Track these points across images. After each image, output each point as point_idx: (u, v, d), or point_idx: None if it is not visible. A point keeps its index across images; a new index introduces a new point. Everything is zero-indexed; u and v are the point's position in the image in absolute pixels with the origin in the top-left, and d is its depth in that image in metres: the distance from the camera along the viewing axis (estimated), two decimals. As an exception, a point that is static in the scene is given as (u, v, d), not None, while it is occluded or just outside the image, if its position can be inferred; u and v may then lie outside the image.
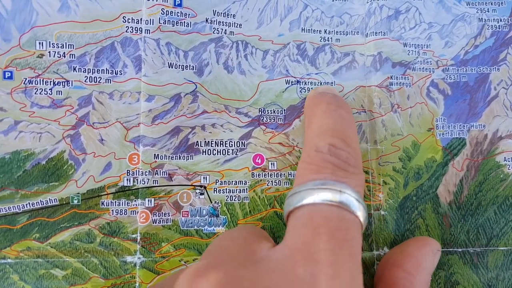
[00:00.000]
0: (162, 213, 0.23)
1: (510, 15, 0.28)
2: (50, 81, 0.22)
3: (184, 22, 0.24)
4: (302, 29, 0.26)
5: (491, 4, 0.28)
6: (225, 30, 0.25)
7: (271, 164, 0.25)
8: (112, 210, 0.22)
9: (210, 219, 0.23)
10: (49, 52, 0.22)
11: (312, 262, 0.15)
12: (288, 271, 0.15)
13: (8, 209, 0.22)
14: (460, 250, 0.25)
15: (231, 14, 0.25)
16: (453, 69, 0.27)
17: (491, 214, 0.25)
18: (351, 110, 0.23)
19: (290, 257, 0.15)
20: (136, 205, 0.23)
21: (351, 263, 0.15)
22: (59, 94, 0.22)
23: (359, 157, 0.20)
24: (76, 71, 0.22)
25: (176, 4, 0.24)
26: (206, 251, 0.19)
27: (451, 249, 0.25)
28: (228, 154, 0.24)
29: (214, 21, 0.24)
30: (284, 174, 0.25)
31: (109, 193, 0.22)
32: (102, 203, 0.22)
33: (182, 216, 0.23)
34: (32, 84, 0.22)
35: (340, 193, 0.17)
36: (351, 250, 0.16)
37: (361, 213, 0.17)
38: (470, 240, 0.25)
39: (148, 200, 0.23)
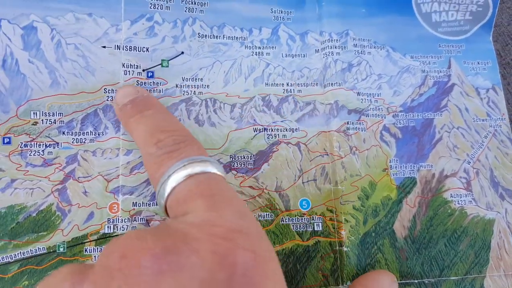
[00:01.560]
0: (140, 256, 0.25)
1: (448, 67, 0.31)
2: (43, 144, 0.25)
3: (157, 89, 0.28)
4: (266, 84, 0.30)
5: (432, 57, 0.31)
6: (194, 91, 0.28)
7: (243, 206, 0.27)
8: (94, 256, 0.25)
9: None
10: (42, 120, 0.26)
11: (203, 211, 0.17)
12: (187, 222, 0.16)
13: (2, 259, 0.24)
14: (416, 281, 0.27)
15: (198, 78, 0.28)
16: (402, 115, 0.30)
17: (441, 246, 0.27)
18: (155, 102, 0.24)
19: (186, 218, 0.17)
20: (118, 249, 0.25)
21: (238, 206, 0.17)
22: (50, 154, 0.25)
23: (185, 132, 0.22)
24: (65, 135, 0.26)
25: (149, 76, 0.28)
26: None
27: (408, 281, 0.27)
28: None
29: (183, 85, 0.28)
30: (254, 216, 0.27)
31: (92, 240, 0.25)
32: (86, 250, 0.25)
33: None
34: (27, 147, 0.25)
35: (185, 167, 0.19)
36: (230, 197, 0.18)
37: (213, 168, 0.19)
38: (425, 272, 0.27)
39: (128, 245, 0.25)
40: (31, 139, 0.25)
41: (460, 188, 0.29)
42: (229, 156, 0.28)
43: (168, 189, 0.18)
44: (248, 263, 0.14)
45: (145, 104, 0.24)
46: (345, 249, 0.27)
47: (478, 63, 0.32)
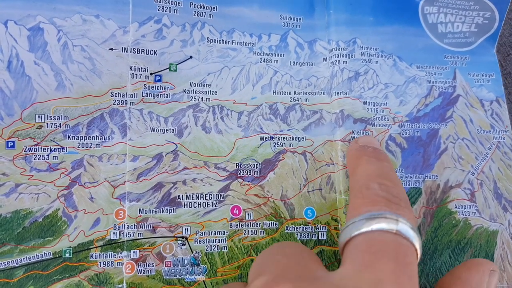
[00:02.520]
0: (146, 263, 0.25)
1: (453, 78, 0.31)
2: (48, 148, 0.25)
3: (164, 94, 0.27)
4: (273, 92, 0.29)
5: (437, 68, 0.31)
6: (202, 97, 0.28)
7: (248, 214, 0.27)
8: (100, 262, 0.25)
9: (191, 268, 0.26)
10: (47, 123, 0.25)
11: (376, 281, 0.15)
12: (348, 285, 0.15)
13: (7, 263, 0.24)
14: (420, 292, 0.27)
15: (206, 84, 0.28)
16: (407, 124, 0.30)
17: (446, 257, 0.28)
18: (391, 162, 0.24)
19: (353, 277, 0.16)
20: (122, 256, 0.25)
21: (411, 285, 0.16)
22: (55, 159, 0.25)
23: (407, 198, 0.21)
24: (70, 139, 0.25)
25: (157, 80, 0.27)
26: (256, 265, 0.20)
27: (412, 291, 0.27)
28: (208, 206, 0.27)
29: (191, 91, 0.28)
30: (259, 224, 0.27)
31: (97, 246, 0.25)
32: (91, 256, 0.25)
33: (165, 266, 0.25)
34: (31, 151, 0.25)
35: (396, 222, 0.18)
36: (410, 273, 0.16)
37: (416, 242, 0.18)
38: (430, 282, 0.27)
39: (133, 252, 0.25)
40: (36, 143, 0.25)
41: (465, 199, 0.29)
42: (235, 164, 0.28)
43: (363, 228, 0.18)
44: None
45: (385, 158, 0.24)
46: (349, 258, 0.27)
47: (483, 75, 0.32)
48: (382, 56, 0.31)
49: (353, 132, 0.29)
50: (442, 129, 0.30)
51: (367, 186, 0.20)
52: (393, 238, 0.17)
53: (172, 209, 0.26)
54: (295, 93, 0.29)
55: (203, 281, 0.25)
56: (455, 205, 0.29)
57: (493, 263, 0.23)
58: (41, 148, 0.25)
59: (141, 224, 0.26)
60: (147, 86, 0.27)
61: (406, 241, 0.17)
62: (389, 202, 0.19)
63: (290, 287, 0.15)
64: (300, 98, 0.29)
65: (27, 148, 0.25)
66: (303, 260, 0.19)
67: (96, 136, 0.26)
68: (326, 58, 0.30)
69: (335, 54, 0.30)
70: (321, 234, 0.27)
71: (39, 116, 0.25)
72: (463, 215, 0.29)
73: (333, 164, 0.29)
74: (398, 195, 0.20)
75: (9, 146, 0.24)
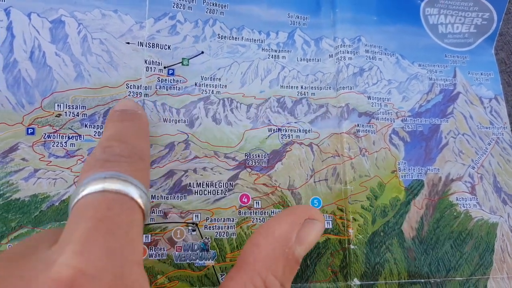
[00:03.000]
0: (158, 248, 0.26)
1: (454, 76, 0.33)
2: (65, 136, 0.26)
3: (176, 87, 0.28)
4: (281, 86, 0.31)
5: (438, 66, 0.33)
6: (212, 90, 0.29)
7: (256, 203, 0.28)
8: (114, 246, 0.26)
9: (201, 253, 0.26)
10: (66, 112, 0.26)
11: (64, 245, 0.15)
12: (45, 257, 0.15)
13: (24, 245, 0.25)
14: (422, 280, 0.28)
15: (217, 78, 0.29)
16: (410, 119, 0.31)
17: (448, 248, 0.28)
18: (139, 119, 0.24)
19: (52, 248, 0.15)
20: (135, 241, 0.26)
21: (109, 239, 0.15)
22: (72, 146, 0.26)
23: (138, 151, 0.20)
24: (87, 127, 0.26)
25: (170, 73, 0.28)
26: None
27: (415, 280, 0.28)
28: (217, 194, 0.28)
29: (202, 84, 0.29)
30: (267, 212, 0.28)
31: (112, 231, 0.26)
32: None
33: (176, 251, 0.26)
34: (50, 138, 0.26)
35: (104, 180, 0.17)
36: (110, 227, 0.15)
37: (133, 193, 0.17)
38: (432, 272, 0.28)
39: (145, 236, 0.26)
40: (54, 130, 0.26)
41: (465, 192, 0.30)
42: (244, 154, 0.29)
43: (79, 195, 0.17)
44: None
45: (129, 117, 0.24)
46: (352, 247, 0.28)
47: (482, 74, 0.34)
48: (385, 53, 0.32)
49: (357, 125, 0.30)
50: (443, 124, 0.31)
51: (93, 153, 0.20)
52: (96, 196, 0.17)
53: (183, 196, 0.27)
54: (302, 87, 0.31)
55: (213, 266, 0.26)
56: (456, 197, 0.30)
57: (314, 211, 0.20)
58: (59, 135, 0.26)
59: (153, 209, 0.26)
60: (160, 79, 0.28)
61: (115, 195, 0.17)
62: (106, 162, 0.19)
63: None
64: (307, 92, 0.31)
65: (46, 135, 0.26)
66: (31, 243, 0.17)
67: (112, 125, 0.27)
68: (332, 54, 0.32)
69: (340, 51, 0.31)
70: (327, 223, 0.28)
71: (58, 105, 0.26)
72: (464, 207, 0.30)
73: (339, 156, 0.30)
74: (121, 152, 0.19)
75: (29, 132, 0.26)
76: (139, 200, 0.17)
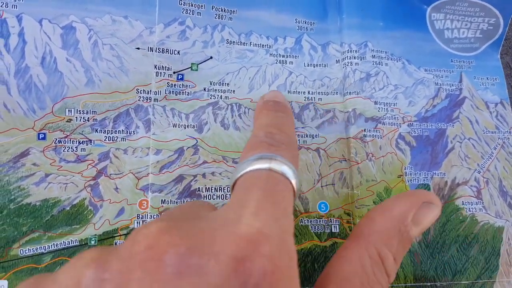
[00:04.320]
0: (166, 252, 0.26)
1: (459, 81, 0.33)
2: (76, 141, 0.26)
3: (186, 92, 0.29)
4: (288, 91, 0.31)
5: (444, 71, 0.33)
6: (221, 96, 0.29)
7: (263, 207, 0.28)
8: (124, 250, 0.26)
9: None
10: (76, 117, 0.26)
11: (240, 207, 0.16)
12: (221, 217, 0.16)
13: (36, 249, 0.25)
14: (428, 284, 0.28)
15: (225, 83, 0.30)
16: (416, 124, 0.31)
17: (454, 251, 0.29)
18: (289, 112, 0.27)
19: (224, 210, 0.17)
20: (145, 245, 0.26)
21: (276, 209, 0.17)
22: (83, 151, 0.26)
23: (293, 142, 0.23)
24: (97, 132, 0.27)
25: (179, 78, 0.29)
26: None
27: (421, 284, 0.28)
28: (226, 199, 0.28)
29: (211, 89, 0.29)
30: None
31: (121, 235, 0.26)
32: (116, 244, 0.26)
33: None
34: (61, 143, 0.26)
35: (270, 160, 0.19)
36: (276, 200, 0.17)
37: (292, 178, 0.19)
38: (438, 276, 0.28)
39: (155, 241, 0.26)
40: (65, 135, 0.26)
41: (471, 196, 0.30)
42: (252, 159, 0.29)
43: (247, 168, 0.19)
44: (263, 272, 0.14)
45: (282, 109, 0.26)
46: (360, 251, 0.28)
47: (487, 78, 0.34)
48: (392, 59, 0.32)
49: (364, 130, 0.30)
50: (449, 129, 0.32)
51: (255, 135, 0.22)
52: (265, 173, 0.19)
53: (192, 200, 0.27)
54: (309, 92, 0.31)
55: None
56: (462, 201, 0.30)
57: (433, 195, 0.21)
58: (70, 140, 0.26)
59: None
60: (170, 84, 0.28)
61: (279, 175, 0.19)
62: (270, 146, 0.21)
63: (161, 224, 0.15)
64: (314, 97, 0.31)
65: (57, 140, 0.26)
66: (194, 206, 0.20)
67: (122, 130, 0.27)
68: (339, 60, 0.32)
69: (347, 56, 0.31)
70: (334, 227, 0.28)
71: (69, 110, 0.26)
72: (470, 211, 0.30)
73: (346, 161, 0.30)
74: (280, 139, 0.22)
75: (40, 137, 0.26)
76: (294, 183, 0.19)
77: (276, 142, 0.21)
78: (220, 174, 0.28)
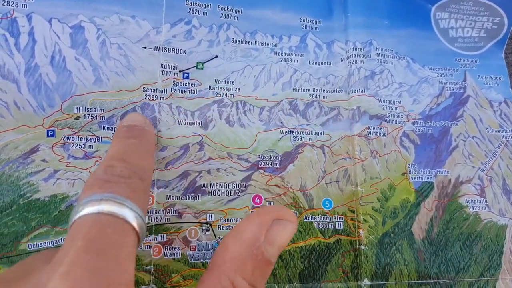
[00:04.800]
0: (173, 247, 0.27)
1: (464, 80, 0.33)
2: (84, 138, 0.27)
3: (191, 90, 0.29)
4: (293, 89, 0.31)
5: (448, 70, 0.33)
6: (226, 93, 0.30)
7: (268, 203, 0.29)
8: (131, 245, 0.26)
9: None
10: (84, 115, 0.27)
11: (53, 266, 0.15)
12: (35, 281, 0.15)
13: (44, 244, 0.26)
14: (432, 281, 0.28)
15: (230, 81, 0.30)
16: (420, 122, 0.31)
17: (457, 249, 0.29)
18: (143, 136, 0.24)
19: (43, 270, 0.16)
20: (150, 240, 0.27)
21: (99, 259, 0.15)
22: (90, 148, 0.27)
23: (138, 170, 0.21)
24: (105, 130, 0.27)
25: (184, 77, 0.29)
26: None
27: (424, 281, 0.28)
28: (231, 195, 0.28)
29: (216, 87, 0.30)
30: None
31: (128, 230, 0.26)
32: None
33: (190, 250, 0.27)
34: (69, 140, 0.27)
35: (99, 201, 0.17)
36: (101, 247, 0.16)
37: (127, 215, 0.17)
38: (442, 273, 0.28)
39: (161, 236, 0.27)
40: (74, 132, 0.27)
41: (475, 194, 0.30)
42: (257, 156, 0.29)
43: (76, 216, 0.17)
44: None
45: (136, 134, 0.24)
46: (362, 247, 0.28)
47: (491, 77, 0.34)
48: (396, 57, 0.32)
49: (369, 128, 0.30)
50: (453, 127, 0.32)
51: (95, 171, 0.20)
52: (91, 217, 0.17)
53: (197, 196, 0.28)
54: (314, 90, 0.31)
55: None
56: (466, 199, 0.30)
57: (285, 211, 0.19)
58: (78, 137, 0.27)
59: (168, 209, 0.27)
60: (176, 83, 0.29)
61: (109, 217, 0.17)
62: (105, 183, 0.19)
63: None
64: (319, 95, 0.31)
65: (66, 137, 0.27)
66: (27, 266, 0.18)
67: (129, 127, 0.28)
68: (344, 58, 0.32)
69: (352, 54, 0.32)
70: (338, 224, 0.29)
71: (77, 108, 0.27)
72: (473, 209, 0.30)
73: (350, 158, 0.30)
74: (121, 172, 0.20)
75: (49, 134, 0.26)
76: (133, 223, 0.17)
77: (114, 177, 0.19)
78: (225, 170, 0.29)
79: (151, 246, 0.26)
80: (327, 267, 0.28)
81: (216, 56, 0.30)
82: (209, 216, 0.28)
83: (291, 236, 0.19)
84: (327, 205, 0.29)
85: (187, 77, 0.29)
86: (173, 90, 0.29)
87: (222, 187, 0.28)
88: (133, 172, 0.20)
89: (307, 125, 0.31)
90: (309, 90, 0.31)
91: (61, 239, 0.26)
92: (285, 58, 0.31)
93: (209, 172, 0.28)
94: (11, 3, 0.27)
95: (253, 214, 0.19)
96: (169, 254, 0.27)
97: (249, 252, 0.18)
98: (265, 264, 0.18)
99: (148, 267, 0.26)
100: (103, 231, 0.16)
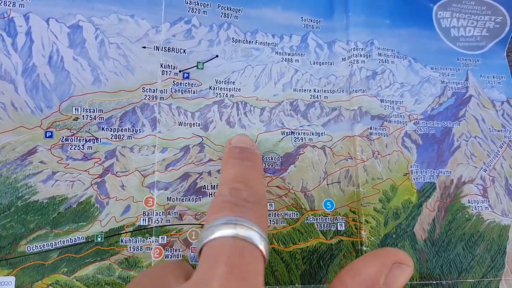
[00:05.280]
0: (173, 249, 0.26)
1: (466, 79, 0.33)
2: (83, 139, 0.27)
3: (191, 90, 0.29)
4: (294, 89, 0.31)
5: (450, 69, 0.33)
6: (226, 94, 0.29)
7: (270, 205, 0.28)
8: (130, 247, 0.26)
9: (214, 254, 0.27)
10: (83, 116, 0.27)
11: (200, 285, 0.16)
12: None
13: (43, 246, 0.25)
14: (434, 282, 0.28)
15: (231, 81, 0.30)
16: (422, 122, 0.31)
17: (460, 250, 0.29)
18: (257, 159, 0.25)
19: (191, 284, 0.17)
20: (151, 242, 0.26)
21: (243, 285, 0.16)
22: (89, 149, 0.27)
23: (260, 197, 0.21)
24: (104, 131, 0.27)
25: (185, 77, 0.29)
26: None
27: (427, 282, 0.28)
28: (230, 197, 0.28)
29: (216, 87, 0.29)
30: (281, 214, 0.28)
31: (128, 232, 0.26)
32: (122, 241, 0.26)
33: (191, 252, 0.26)
34: (68, 141, 0.26)
35: (235, 226, 0.18)
36: (244, 274, 0.16)
37: (258, 242, 0.18)
38: (444, 274, 0.28)
39: (161, 238, 0.26)
40: (72, 133, 0.26)
41: (477, 194, 0.30)
42: (257, 157, 0.29)
43: (211, 236, 0.18)
44: None
45: (249, 157, 0.25)
46: (364, 248, 0.28)
47: (494, 77, 0.34)
48: (398, 57, 0.32)
49: (370, 128, 0.30)
50: (455, 127, 0.32)
51: (219, 193, 0.21)
52: (230, 241, 0.18)
53: (197, 198, 0.27)
54: (315, 90, 0.31)
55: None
56: (468, 200, 0.30)
57: (403, 255, 0.20)
58: (77, 138, 0.26)
59: (169, 211, 0.27)
60: (176, 83, 0.29)
61: (245, 243, 0.18)
62: (235, 206, 0.20)
63: None
64: (320, 95, 0.31)
65: (64, 138, 0.26)
66: (161, 277, 0.19)
67: (128, 129, 0.27)
68: (345, 58, 0.32)
69: (353, 54, 0.31)
70: (340, 225, 0.29)
71: (76, 109, 0.27)
72: (475, 209, 0.30)
73: (352, 159, 0.30)
74: (247, 197, 0.20)
75: (48, 136, 0.26)
76: (263, 250, 0.18)
77: (242, 201, 0.20)
78: (225, 172, 0.28)
79: (151, 248, 0.26)
80: (329, 268, 0.28)
81: (217, 56, 0.30)
82: (210, 217, 0.27)
83: (407, 280, 0.20)
84: (329, 206, 0.29)
85: (187, 77, 0.29)
86: (173, 90, 0.28)
87: (222, 189, 0.28)
88: (257, 198, 0.21)
89: (308, 125, 0.30)
90: (310, 90, 0.31)
91: (60, 241, 0.25)
92: (286, 58, 0.31)
93: (209, 173, 0.28)
94: (8, 3, 0.27)
95: (372, 254, 0.21)
96: (169, 256, 0.26)
97: None
98: None
99: (148, 270, 0.26)
100: (243, 258, 0.17)
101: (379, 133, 0.30)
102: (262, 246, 0.18)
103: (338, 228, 0.28)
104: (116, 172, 0.27)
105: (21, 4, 0.27)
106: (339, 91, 0.31)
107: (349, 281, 0.19)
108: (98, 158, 0.27)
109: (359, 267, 0.20)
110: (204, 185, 0.28)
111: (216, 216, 0.19)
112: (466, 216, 0.30)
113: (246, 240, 0.18)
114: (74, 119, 0.27)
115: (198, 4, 0.30)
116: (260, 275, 0.17)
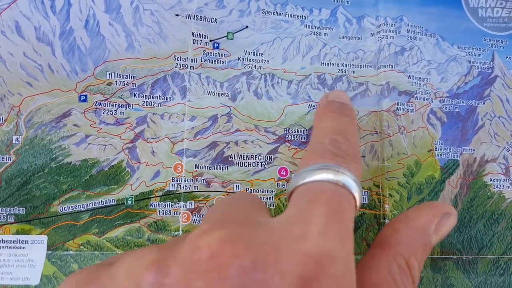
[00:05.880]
0: (201, 214, 0.27)
1: (492, 60, 0.33)
2: (115, 104, 0.27)
3: (221, 60, 0.29)
4: (321, 63, 0.31)
5: (477, 49, 0.33)
6: (255, 65, 0.30)
7: (293, 176, 0.29)
8: (159, 211, 0.27)
9: (239, 222, 0.27)
10: (116, 81, 0.27)
11: (305, 223, 0.16)
12: (284, 230, 0.16)
13: (75, 207, 0.26)
14: (454, 257, 0.29)
15: (259, 53, 0.30)
16: (448, 100, 0.31)
17: (480, 226, 0.29)
18: (354, 117, 0.25)
19: (286, 221, 0.17)
20: (179, 207, 0.27)
21: (341, 228, 0.16)
22: (121, 114, 0.27)
23: (357, 152, 0.22)
24: (136, 97, 0.27)
25: (215, 47, 0.29)
26: (206, 216, 0.20)
27: (447, 256, 0.29)
28: (257, 166, 0.28)
29: (245, 58, 0.30)
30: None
31: (157, 196, 0.27)
32: (151, 205, 0.27)
33: (217, 218, 0.27)
34: (101, 106, 0.27)
35: (337, 172, 0.18)
36: (341, 219, 0.17)
37: (356, 193, 0.18)
38: (465, 249, 0.29)
39: (189, 203, 0.27)
40: (105, 98, 0.27)
41: (499, 173, 0.31)
42: (283, 129, 0.29)
43: (312, 177, 0.18)
44: None
45: (347, 112, 0.24)
46: (387, 221, 0.29)
47: (520, 58, 0.34)
48: (426, 34, 0.32)
49: (397, 104, 0.30)
50: (480, 106, 0.32)
51: (319, 141, 0.21)
52: (331, 186, 0.18)
53: (224, 166, 0.28)
54: (342, 65, 0.31)
55: (222, 199, 0.27)
56: (490, 178, 0.30)
57: (451, 207, 0.23)
58: (109, 103, 0.27)
59: (197, 178, 0.27)
60: (206, 52, 0.29)
61: (344, 190, 0.18)
62: (335, 155, 0.20)
63: (222, 232, 0.15)
64: (347, 70, 0.31)
65: (97, 103, 0.27)
66: (247, 207, 0.19)
67: (159, 96, 0.28)
68: (374, 33, 0.32)
69: (382, 29, 0.31)
70: (363, 198, 0.29)
71: (109, 74, 0.27)
72: (497, 188, 0.30)
73: (377, 134, 0.30)
74: (346, 150, 0.21)
75: (82, 99, 0.27)
76: (358, 200, 0.19)
77: (342, 152, 0.20)
78: (252, 142, 0.29)
79: (179, 213, 0.27)
80: (351, 240, 0.28)
81: (247, 27, 0.30)
82: (236, 186, 0.28)
83: (452, 228, 0.23)
84: (353, 179, 0.29)
85: (217, 47, 0.29)
86: (203, 60, 0.29)
87: (249, 159, 0.28)
88: (355, 152, 0.21)
89: None
90: (337, 64, 0.31)
91: (92, 203, 0.26)
92: (314, 32, 0.31)
93: (236, 143, 0.29)
94: (44, -34, 0.27)
95: (424, 206, 0.23)
96: (197, 221, 0.27)
97: (421, 238, 0.21)
98: (429, 249, 0.22)
99: (176, 233, 0.27)
100: (341, 203, 0.18)
101: (405, 108, 0.31)
102: (357, 195, 0.19)
103: (362, 201, 0.29)
104: (147, 138, 0.27)
105: (57, -32, 0.27)
106: (366, 66, 0.31)
107: (402, 229, 0.21)
108: (130, 123, 0.27)
109: (413, 215, 0.22)
110: (231, 155, 0.28)
111: (316, 161, 0.19)
112: (488, 194, 0.30)
113: (345, 187, 0.18)
114: (107, 84, 0.27)
115: (230, -27, 0.30)
116: (353, 223, 0.18)
